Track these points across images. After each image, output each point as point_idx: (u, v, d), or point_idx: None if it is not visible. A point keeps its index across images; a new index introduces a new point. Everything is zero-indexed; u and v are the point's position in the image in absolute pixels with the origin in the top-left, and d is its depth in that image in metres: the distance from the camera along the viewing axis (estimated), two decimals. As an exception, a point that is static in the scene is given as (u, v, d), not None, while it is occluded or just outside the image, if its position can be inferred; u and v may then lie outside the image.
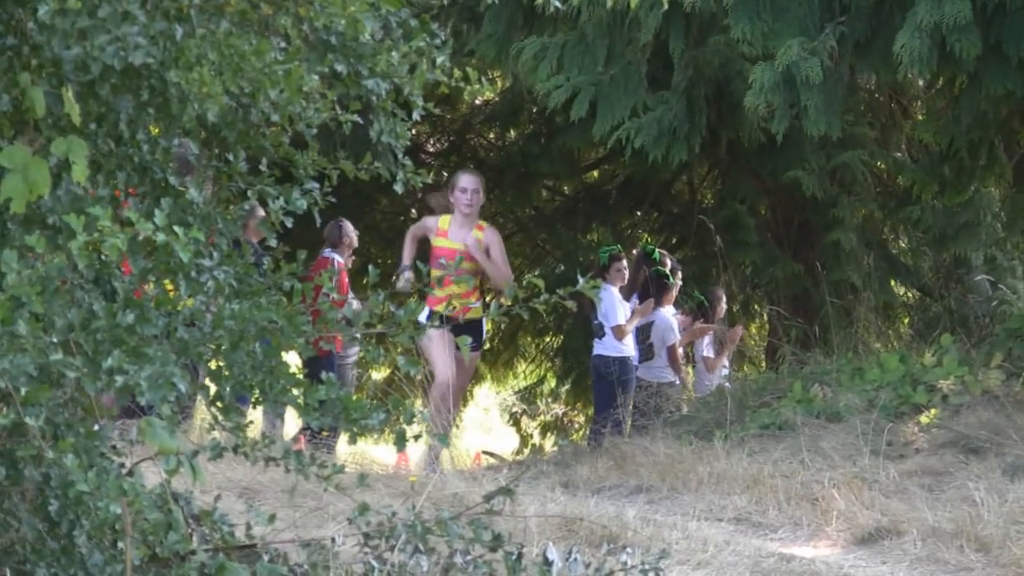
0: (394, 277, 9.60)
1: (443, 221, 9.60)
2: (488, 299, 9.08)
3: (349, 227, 12.72)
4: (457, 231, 9.41)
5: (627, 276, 13.38)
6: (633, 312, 13.69)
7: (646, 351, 14.09)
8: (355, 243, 12.57)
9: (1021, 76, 12.49)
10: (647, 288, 13.89)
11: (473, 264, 9.34)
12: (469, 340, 7.68)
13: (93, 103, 4.34)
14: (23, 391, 4.01)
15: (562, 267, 19.97)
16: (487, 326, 9.32)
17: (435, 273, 7.15)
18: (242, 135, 4.84)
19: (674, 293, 14.37)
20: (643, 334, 13.95)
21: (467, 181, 9.92)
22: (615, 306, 13.29)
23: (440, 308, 8.78)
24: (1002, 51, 12.14)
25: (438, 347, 9.13)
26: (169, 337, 4.30)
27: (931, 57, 11.72)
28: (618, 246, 14.69)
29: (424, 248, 10.35)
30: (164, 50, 4.19)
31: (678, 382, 14.35)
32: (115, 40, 4.00)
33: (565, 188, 22.24)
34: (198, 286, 4.42)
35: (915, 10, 11.53)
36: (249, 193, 4.93)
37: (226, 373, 4.70)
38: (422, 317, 7.60)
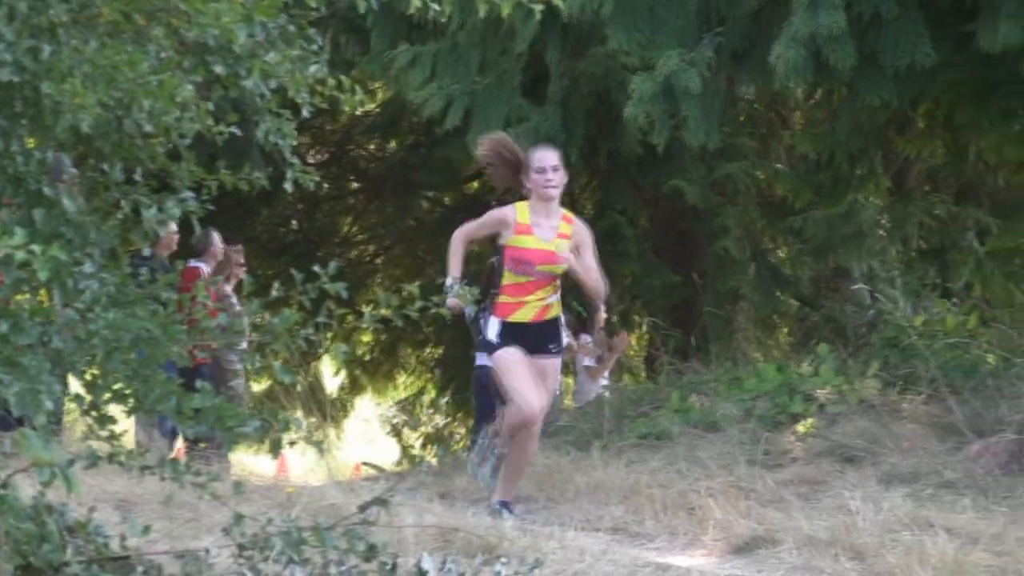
0: (444, 292, 7.03)
1: (522, 212, 7.56)
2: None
3: (216, 236, 12.38)
4: (544, 224, 7.47)
5: None
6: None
7: None
8: (220, 254, 12.24)
9: (897, 87, 12.67)
10: None
11: (561, 265, 7.49)
12: (550, 346, 7.33)
13: None
14: None
15: (442, 278, 19.92)
16: (563, 326, 7.65)
17: (517, 279, 7.10)
18: (117, 146, 4.81)
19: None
20: None
21: (546, 156, 7.66)
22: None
23: (516, 317, 7.42)
24: (878, 62, 12.19)
25: (520, 374, 7.35)
26: (44, 346, 4.34)
27: (807, 68, 11.82)
28: None
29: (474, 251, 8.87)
30: (35, 62, 4.22)
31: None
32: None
33: (446, 199, 22.54)
34: (75, 295, 4.38)
35: (791, 20, 11.63)
36: (123, 203, 4.89)
37: (100, 383, 4.74)
38: (492, 334, 7.21)
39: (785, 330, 20.15)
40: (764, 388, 12.44)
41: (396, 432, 23.20)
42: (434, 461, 19.45)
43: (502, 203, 8.30)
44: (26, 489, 4.80)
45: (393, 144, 22.25)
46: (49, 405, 4.28)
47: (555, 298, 7.37)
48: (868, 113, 13.71)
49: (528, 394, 7.24)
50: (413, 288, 5.05)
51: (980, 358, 12.30)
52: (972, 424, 11.02)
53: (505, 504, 7.48)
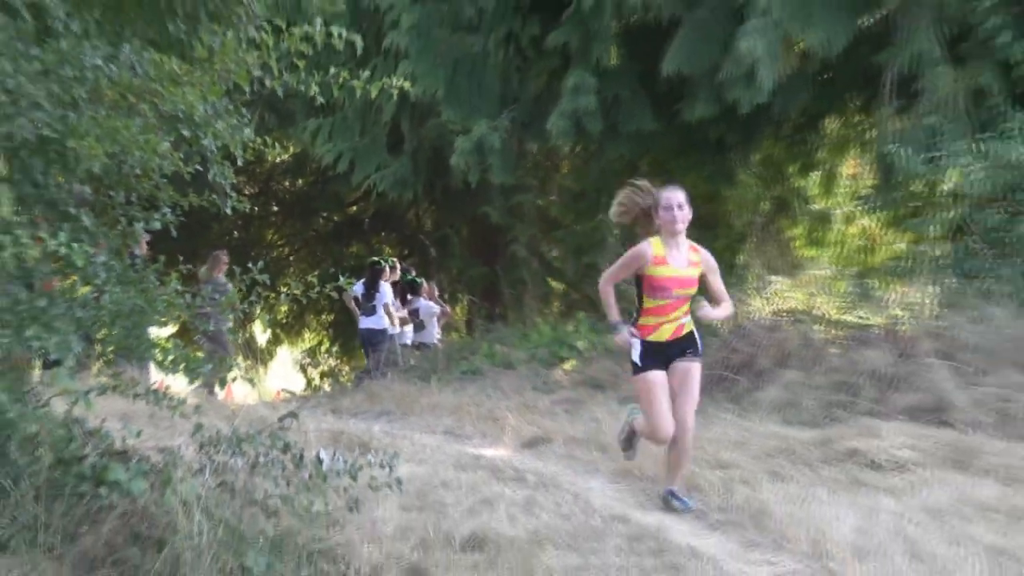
0: (613, 334, 6.12)
1: (656, 246, 5.86)
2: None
3: (223, 255, 11.86)
4: (677, 255, 5.83)
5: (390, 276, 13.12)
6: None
7: (418, 325, 14.25)
8: (225, 263, 11.67)
9: (630, 145, 12.70)
10: (400, 286, 13.96)
11: (692, 288, 5.82)
12: (688, 351, 5.75)
13: (17, 162, 4.18)
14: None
15: (333, 270, 19.84)
16: (697, 334, 6.01)
17: (657, 302, 5.71)
18: (118, 181, 4.63)
19: (424, 288, 14.53)
20: (415, 316, 14.13)
21: (673, 196, 5.88)
22: (388, 293, 12.96)
23: (655, 336, 5.83)
24: (617, 129, 12.14)
25: (660, 397, 5.82)
26: (71, 314, 4.20)
27: (571, 132, 11.79)
28: (393, 259, 14.27)
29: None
30: (64, 125, 4.06)
31: (436, 342, 14.48)
32: (30, 121, 3.89)
33: (335, 217, 22.76)
34: (93, 277, 4.20)
35: (561, 101, 11.59)
36: (121, 218, 4.75)
37: (107, 339, 4.58)
38: (635, 355, 5.77)
39: (556, 304, 20.05)
40: (543, 341, 12.44)
41: (303, 369, 22.97)
42: (328, 388, 19.38)
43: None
44: (59, 408, 4.55)
45: (300, 181, 22.34)
46: (76, 351, 4.07)
47: (688, 319, 5.76)
48: (611, 162, 13.71)
49: (662, 420, 5.70)
50: (313, 277, 4.98)
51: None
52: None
53: (672, 493, 5.84)
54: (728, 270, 9.43)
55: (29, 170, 4.37)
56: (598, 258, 16.33)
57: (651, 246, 5.79)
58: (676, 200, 5.73)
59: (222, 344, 10.27)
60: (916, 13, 9.90)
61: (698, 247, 5.87)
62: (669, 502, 5.73)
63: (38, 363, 5.37)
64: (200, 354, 4.69)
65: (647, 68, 11.50)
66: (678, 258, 5.76)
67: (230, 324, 6.11)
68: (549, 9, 12.04)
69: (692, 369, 5.75)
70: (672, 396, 5.74)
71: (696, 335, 5.85)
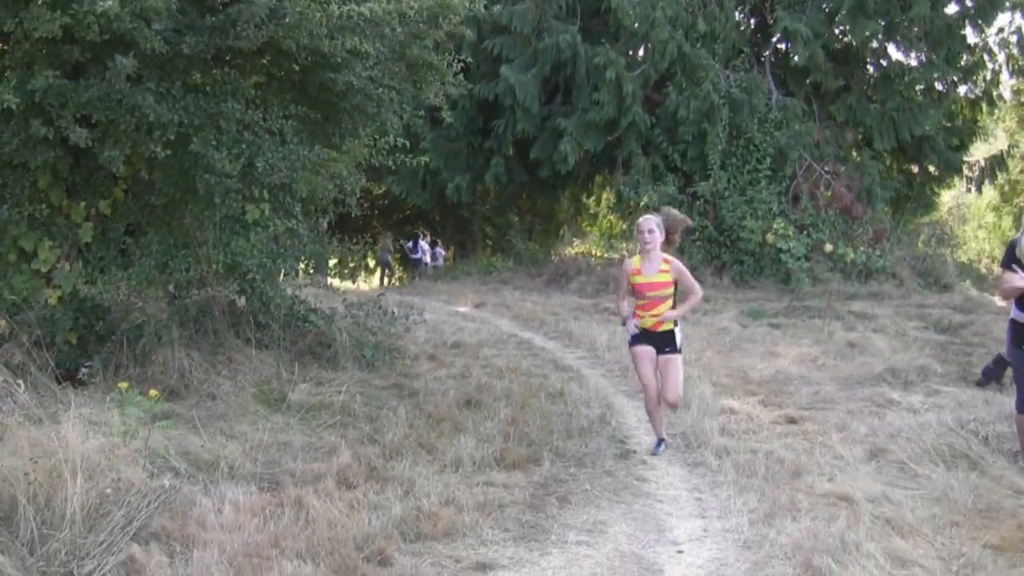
0: (623, 324, 7.24)
1: (635, 262, 6.98)
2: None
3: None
4: (649, 267, 6.88)
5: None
6: None
7: (432, 256, 25.57)
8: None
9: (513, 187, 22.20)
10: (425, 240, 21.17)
11: (665, 289, 6.87)
12: (667, 348, 6.95)
13: (272, 193, 9.50)
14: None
15: (400, 238, 28.63)
16: (678, 335, 7.08)
17: (641, 301, 6.95)
18: (311, 200, 9.36)
19: (439, 243, 23.38)
20: (435, 257, 25.48)
21: (642, 223, 7.00)
22: (423, 245, 24.48)
23: (643, 324, 6.93)
24: (511, 180, 20.08)
25: (644, 363, 6.94)
26: (293, 255, 9.16)
27: (493, 182, 21.57)
28: (422, 231, 25.81)
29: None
30: (291, 179, 9.16)
31: (440, 265, 25.26)
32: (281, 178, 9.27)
33: (398, 215, 31.42)
34: (302, 239, 9.21)
35: (490, 168, 19.29)
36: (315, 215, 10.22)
37: (308, 264, 9.46)
38: (630, 336, 7.07)
39: (489, 249, 29.02)
40: (481, 266, 19.55)
41: (388, 277, 29.05)
42: (396, 285, 25.24)
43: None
44: (289, 291, 9.20)
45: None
46: (295, 269, 8.95)
47: (668, 316, 6.93)
48: (510, 195, 20.29)
49: (645, 380, 6.94)
50: (394, 242, 10.55)
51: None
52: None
53: (659, 440, 7.17)
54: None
55: (277, 196, 8.94)
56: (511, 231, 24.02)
57: (631, 263, 7.14)
58: (646, 227, 6.94)
59: (387, 266, 17.06)
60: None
61: (670, 259, 7.02)
62: (657, 446, 7.12)
63: (281, 274, 9.63)
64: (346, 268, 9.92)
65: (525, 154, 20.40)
66: (650, 269, 6.93)
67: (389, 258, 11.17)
68: (486, 133, 21.24)
69: (671, 361, 6.95)
70: (661, 380, 7.02)
71: (676, 335, 7.03)
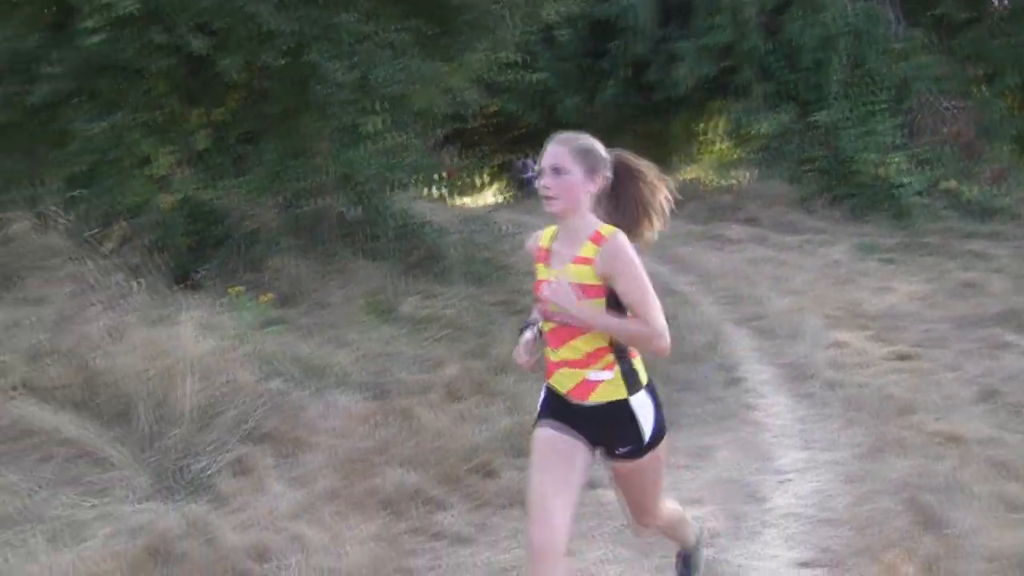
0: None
1: (545, 235, 3.17)
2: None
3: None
4: (563, 251, 3.03)
5: None
6: None
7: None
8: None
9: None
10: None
11: (591, 299, 2.91)
12: (617, 445, 3.06)
13: (391, 105, 9.70)
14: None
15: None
16: (646, 411, 2.98)
17: (548, 326, 3.13)
18: (426, 114, 9.49)
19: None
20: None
21: (546, 153, 3.20)
22: (529, 163, 20.44)
23: (553, 382, 3.16)
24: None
25: (545, 467, 2.99)
26: (410, 167, 9.35)
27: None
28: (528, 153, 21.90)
29: None
30: (406, 92, 9.51)
31: None
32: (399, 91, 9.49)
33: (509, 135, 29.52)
34: (414, 153, 9.55)
35: (605, 91, 17.41)
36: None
37: (416, 178, 10.08)
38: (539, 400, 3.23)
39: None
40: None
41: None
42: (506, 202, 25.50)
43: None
44: (400, 204, 9.79)
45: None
46: (408, 182, 9.49)
47: (599, 376, 3.01)
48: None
49: (535, 526, 2.87)
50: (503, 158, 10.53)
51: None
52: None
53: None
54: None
55: (392, 108, 8.87)
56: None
57: (540, 236, 3.15)
58: (549, 161, 3.18)
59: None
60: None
61: (609, 235, 2.71)
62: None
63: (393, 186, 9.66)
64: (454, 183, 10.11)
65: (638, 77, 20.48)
66: (563, 252, 2.61)
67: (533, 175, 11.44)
68: (599, 54, 20.80)
69: (634, 473, 3.15)
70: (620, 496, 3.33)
71: (640, 412, 2.95)
